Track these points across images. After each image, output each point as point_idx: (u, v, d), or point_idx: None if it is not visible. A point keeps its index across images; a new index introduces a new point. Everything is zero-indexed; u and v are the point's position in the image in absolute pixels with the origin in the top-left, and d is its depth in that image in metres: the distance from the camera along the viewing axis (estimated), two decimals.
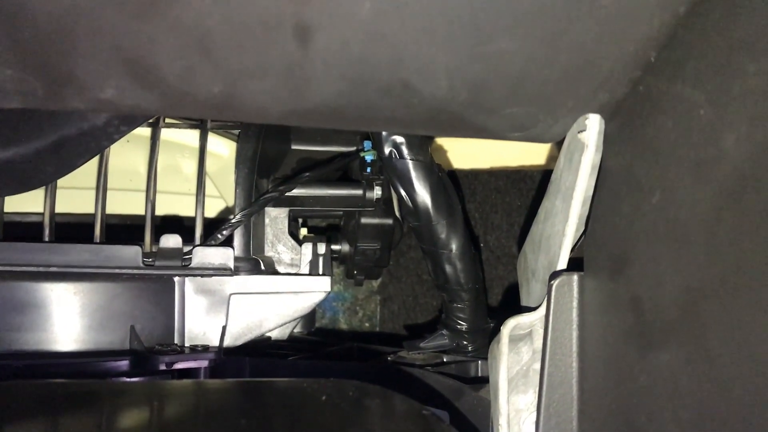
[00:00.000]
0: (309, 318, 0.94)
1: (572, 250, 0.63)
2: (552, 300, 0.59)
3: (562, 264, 0.61)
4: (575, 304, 0.59)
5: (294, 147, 0.97)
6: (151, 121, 0.84)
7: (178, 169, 0.94)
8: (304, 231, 1.05)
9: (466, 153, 1.21)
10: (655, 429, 0.48)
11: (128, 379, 0.73)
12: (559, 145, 0.63)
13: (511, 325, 0.65)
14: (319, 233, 1.03)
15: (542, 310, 0.63)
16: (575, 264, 0.61)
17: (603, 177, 0.56)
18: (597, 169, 0.58)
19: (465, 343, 0.87)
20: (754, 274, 0.39)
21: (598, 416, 0.56)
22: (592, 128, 0.55)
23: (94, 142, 0.69)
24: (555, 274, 0.60)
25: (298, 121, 0.52)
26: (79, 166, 0.71)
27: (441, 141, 1.21)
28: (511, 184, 1.19)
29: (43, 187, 0.79)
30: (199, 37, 0.45)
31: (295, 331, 0.94)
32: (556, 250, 0.62)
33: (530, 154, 1.19)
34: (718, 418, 0.42)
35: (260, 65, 0.47)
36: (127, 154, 0.88)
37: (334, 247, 1.02)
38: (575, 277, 0.59)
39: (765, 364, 0.39)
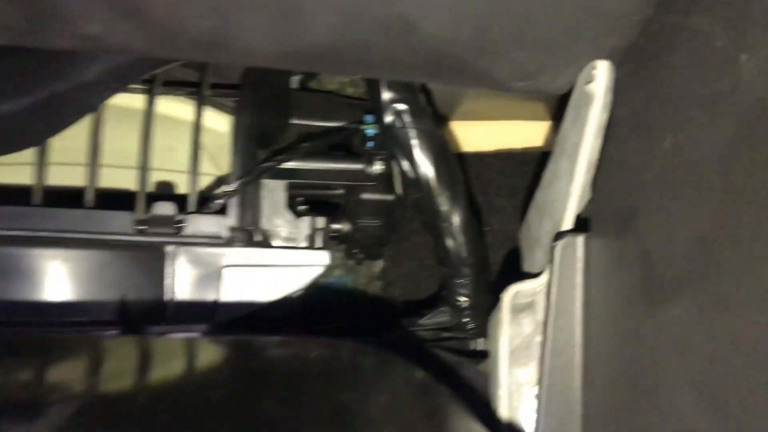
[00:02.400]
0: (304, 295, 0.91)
1: (579, 215, 0.60)
2: (556, 262, 0.57)
3: (567, 226, 0.59)
4: (580, 266, 0.56)
5: (294, 121, 0.95)
6: (145, 87, 0.82)
7: (175, 146, 0.91)
8: (304, 208, 1.02)
9: (470, 136, 1.19)
10: (664, 389, 0.46)
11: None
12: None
13: (512, 292, 0.62)
14: (320, 211, 1.00)
15: (546, 276, 0.61)
16: (581, 227, 0.59)
17: (611, 129, 0.53)
18: (604, 126, 0.55)
19: (466, 320, 0.84)
20: None
21: (603, 383, 0.54)
22: (600, 77, 0.52)
23: (84, 100, 0.67)
24: (560, 236, 0.57)
25: (292, 64, 0.49)
26: (69, 125, 0.69)
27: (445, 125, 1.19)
28: (516, 167, 1.16)
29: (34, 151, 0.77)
30: None
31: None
32: (561, 213, 0.59)
33: (536, 136, 1.16)
34: (730, 370, 0.40)
35: None
36: (122, 132, 0.85)
37: (335, 225, 1.00)
38: (581, 237, 0.56)
39: None
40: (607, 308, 0.53)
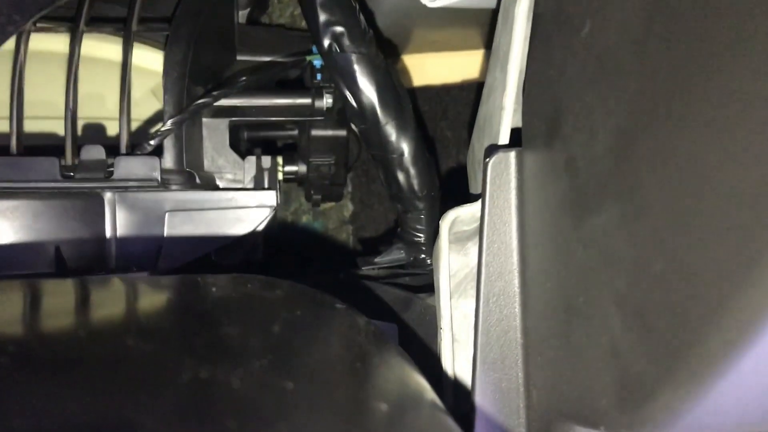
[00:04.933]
0: (259, 240, 0.87)
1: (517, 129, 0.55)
2: (488, 180, 0.52)
3: (503, 141, 0.54)
4: (513, 183, 0.52)
5: (240, 57, 0.90)
6: (68, 25, 0.77)
7: (105, 92, 0.86)
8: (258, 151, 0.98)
9: (435, 68, 1.13)
10: (592, 309, 0.41)
11: None
12: None
13: (450, 218, 0.58)
14: (276, 152, 0.96)
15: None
16: (518, 142, 0.54)
17: (537, 27, 0.48)
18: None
19: (423, 256, 0.80)
20: (686, 88, 0.31)
21: (540, 307, 0.50)
22: None
23: None
24: (490, 152, 0.52)
25: None
26: None
27: (408, 58, 1.13)
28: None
29: None
30: None
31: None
32: (497, 128, 0.55)
33: None
34: (652, 282, 0.35)
35: None
36: (47, 79, 0.80)
37: (290, 168, 0.95)
38: (512, 153, 0.52)
39: (695, 210, 0.32)
40: (541, 227, 0.49)
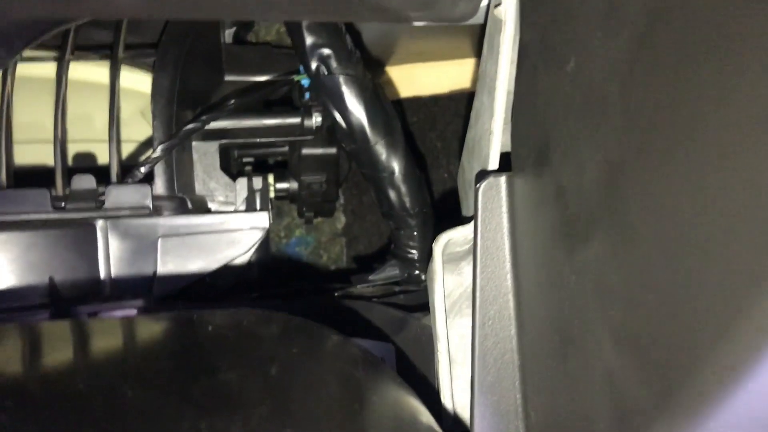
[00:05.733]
0: (253, 261, 0.87)
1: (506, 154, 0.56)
2: (479, 205, 0.52)
3: (493, 165, 0.54)
4: (505, 208, 0.52)
5: (228, 78, 0.89)
6: (55, 54, 0.77)
7: (93, 114, 0.86)
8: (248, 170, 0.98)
9: (423, 78, 1.13)
10: (586, 336, 0.42)
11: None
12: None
13: (443, 241, 0.58)
14: (267, 172, 0.96)
15: None
16: (507, 166, 0.54)
17: (523, 56, 0.48)
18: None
19: (417, 272, 0.80)
20: (671, 124, 0.32)
21: (535, 331, 0.50)
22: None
23: None
24: (481, 177, 0.53)
25: (155, 11, 0.44)
26: None
27: (396, 69, 1.13)
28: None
29: None
30: None
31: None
32: (487, 152, 0.55)
33: None
34: (645, 313, 0.36)
35: None
36: (35, 106, 0.80)
37: (282, 185, 0.95)
38: (503, 177, 0.52)
39: (685, 241, 0.32)
40: (533, 252, 0.49)
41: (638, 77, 0.33)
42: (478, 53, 1.08)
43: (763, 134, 0.28)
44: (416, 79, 1.16)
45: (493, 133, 0.53)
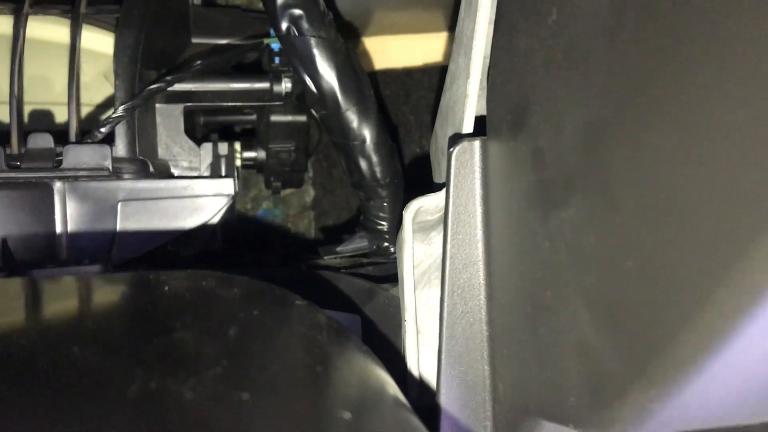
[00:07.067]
0: (218, 229, 0.85)
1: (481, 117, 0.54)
2: (452, 170, 0.51)
3: (467, 129, 0.53)
4: (478, 173, 0.50)
5: (195, 40, 0.86)
6: (13, 7, 0.73)
7: (52, 76, 0.82)
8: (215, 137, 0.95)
9: (397, 51, 1.11)
10: (560, 304, 0.40)
11: None
12: None
13: (413, 208, 0.56)
14: (234, 139, 0.93)
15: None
16: (482, 131, 0.53)
17: (502, 12, 0.46)
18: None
19: (386, 244, 0.78)
20: (660, 79, 0.30)
21: (506, 300, 0.48)
22: None
23: None
24: (454, 141, 0.51)
25: None
26: None
27: (370, 41, 1.11)
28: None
29: None
30: None
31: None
32: (461, 116, 0.53)
33: None
34: (622, 277, 0.34)
35: None
36: None
37: (249, 153, 0.92)
38: (477, 142, 0.50)
39: (667, 204, 0.30)
40: (506, 219, 0.48)
41: (626, 27, 0.32)
42: (452, 27, 1.06)
43: (758, 90, 0.26)
44: (389, 51, 1.13)
45: (469, 96, 0.51)
